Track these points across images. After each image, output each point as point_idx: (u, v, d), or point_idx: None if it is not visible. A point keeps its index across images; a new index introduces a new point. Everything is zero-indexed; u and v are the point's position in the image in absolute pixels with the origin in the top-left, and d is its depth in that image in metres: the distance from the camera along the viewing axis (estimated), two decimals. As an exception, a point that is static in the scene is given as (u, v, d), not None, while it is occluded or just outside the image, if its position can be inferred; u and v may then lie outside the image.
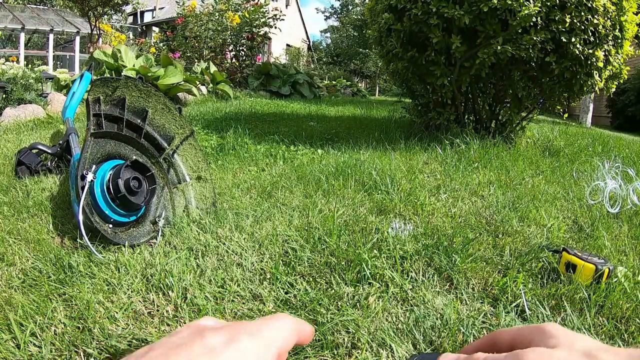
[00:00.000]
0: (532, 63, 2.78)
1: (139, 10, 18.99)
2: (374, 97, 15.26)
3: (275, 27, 8.62)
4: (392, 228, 1.41)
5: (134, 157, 1.47)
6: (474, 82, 3.08)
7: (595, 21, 2.56)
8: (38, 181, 1.93)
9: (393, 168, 2.14)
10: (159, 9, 19.76)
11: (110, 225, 1.38)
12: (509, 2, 2.43)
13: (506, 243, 1.34)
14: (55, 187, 1.84)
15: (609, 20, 2.63)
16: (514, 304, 1.02)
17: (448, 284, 1.12)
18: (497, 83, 3.08)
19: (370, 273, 1.11)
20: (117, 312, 0.96)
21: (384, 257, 1.19)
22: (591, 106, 8.42)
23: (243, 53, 8.56)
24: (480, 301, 1.05)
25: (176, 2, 8.74)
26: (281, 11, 9.01)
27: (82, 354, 0.84)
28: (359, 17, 27.79)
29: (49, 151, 2.10)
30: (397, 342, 0.87)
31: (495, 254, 1.27)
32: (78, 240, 1.29)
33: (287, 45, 20.73)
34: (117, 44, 7.63)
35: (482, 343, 0.30)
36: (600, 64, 2.70)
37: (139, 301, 1.02)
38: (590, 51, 2.61)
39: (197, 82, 6.08)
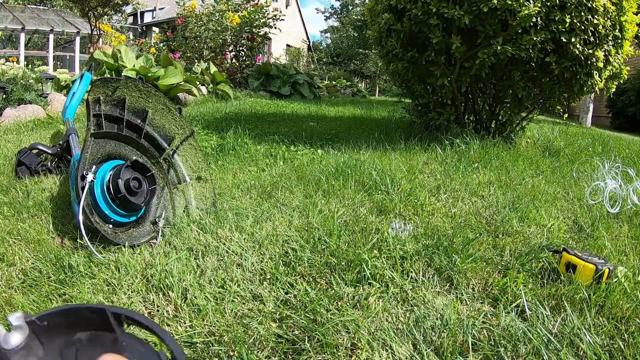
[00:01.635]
0: (532, 63, 2.78)
1: (139, 11, 19.00)
2: (374, 97, 15.26)
3: (275, 27, 8.61)
4: (392, 228, 1.41)
5: (134, 158, 1.47)
6: (474, 83, 3.08)
7: (595, 21, 2.56)
8: (38, 181, 1.93)
9: (393, 168, 2.14)
10: (159, 9, 19.75)
11: (111, 226, 1.38)
12: (509, 2, 2.43)
13: (506, 243, 1.34)
14: (55, 188, 1.84)
15: (609, 20, 2.63)
16: (514, 304, 1.02)
17: (448, 284, 1.12)
18: (497, 83, 3.08)
19: (370, 273, 1.11)
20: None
21: (384, 257, 1.19)
22: (591, 106, 8.41)
23: (243, 53, 8.56)
24: (481, 301, 1.05)
25: (176, 2, 8.74)
26: (281, 11, 9.00)
27: (82, 354, 0.84)
28: (359, 17, 27.78)
29: (49, 151, 2.10)
30: (398, 342, 0.87)
31: (495, 254, 1.27)
32: (78, 240, 1.29)
33: (287, 45, 20.73)
34: (117, 44, 7.64)
35: None
36: (600, 64, 2.69)
37: (139, 301, 1.02)
38: (590, 51, 2.61)
39: (197, 83, 6.08)
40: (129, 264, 1.17)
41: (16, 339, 0.17)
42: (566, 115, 3.60)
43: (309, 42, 26.35)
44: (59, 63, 11.68)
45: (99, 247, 1.27)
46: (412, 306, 1.01)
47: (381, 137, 3.16)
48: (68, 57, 12.23)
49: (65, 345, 0.19)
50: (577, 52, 2.59)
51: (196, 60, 7.67)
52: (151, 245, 1.37)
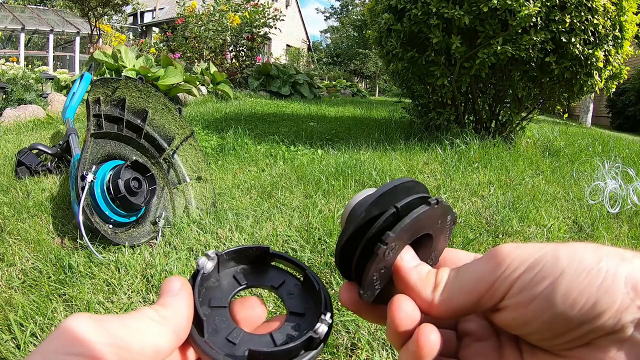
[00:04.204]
0: (532, 63, 2.78)
1: (139, 11, 19.01)
2: (374, 97, 15.26)
3: (275, 28, 8.62)
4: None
5: (134, 158, 1.47)
6: (474, 83, 3.08)
7: (595, 21, 2.56)
8: (38, 181, 1.93)
9: (393, 168, 2.14)
10: (159, 9, 19.76)
11: (111, 226, 1.38)
12: (509, 3, 2.43)
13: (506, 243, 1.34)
14: (55, 188, 1.84)
15: (609, 20, 2.63)
16: (514, 304, 1.02)
17: (448, 284, 1.12)
18: (497, 83, 3.08)
19: (370, 273, 1.10)
20: (117, 313, 0.96)
21: (384, 257, 1.19)
22: (591, 106, 8.41)
23: (243, 53, 8.56)
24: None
25: (176, 2, 8.74)
26: (281, 11, 9.01)
27: (82, 354, 0.84)
28: (359, 17, 27.79)
29: (49, 152, 2.10)
30: (397, 342, 0.87)
31: (495, 254, 1.27)
32: (78, 240, 1.29)
33: (287, 45, 20.74)
34: (117, 44, 7.64)
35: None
36: (600, 64, 2.69)
37: (139, 301, 1.02)
38: (590, 51, 2.61)
39: (197, 83, 6.08)
40: (129, 264, 1.17)
41: (210, 265, 0.27)
42: (566, 115, 3.60)
43: (309, 42, 26.36)
44: (59, 63, 11.69)
45: (99, 247, 1.27)
46: (412, 306, 1.01)
47: (381, 137, 3.16)
48: (68, 57, 12.24)
49: (235, 271, 0.30)
50: (577, 52, 2.59)
51: (196, 61, 7.67)
52: (151, 245, 1.37)
